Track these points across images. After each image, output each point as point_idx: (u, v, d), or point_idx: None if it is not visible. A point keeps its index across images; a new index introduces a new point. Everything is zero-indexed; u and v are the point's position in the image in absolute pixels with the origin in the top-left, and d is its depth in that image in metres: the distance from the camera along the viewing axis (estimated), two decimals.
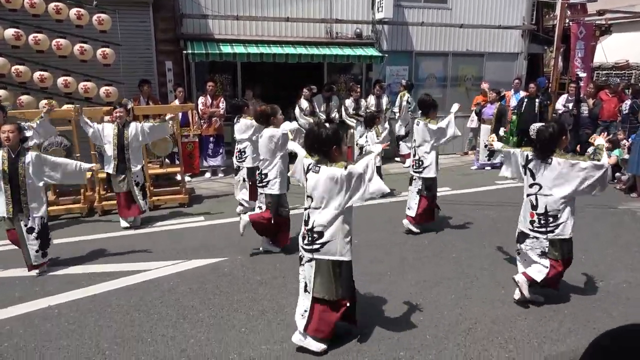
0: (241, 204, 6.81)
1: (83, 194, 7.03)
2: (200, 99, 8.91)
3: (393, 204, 7.36)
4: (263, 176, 5.25)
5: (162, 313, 4.12)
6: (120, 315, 4.08)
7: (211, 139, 9.00)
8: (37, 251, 4.81)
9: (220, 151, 9.12)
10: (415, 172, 6.00)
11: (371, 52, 10.02)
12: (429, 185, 5.96)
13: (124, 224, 6.31)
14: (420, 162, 5.92)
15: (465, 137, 10.87)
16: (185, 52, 8.73)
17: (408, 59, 10.95)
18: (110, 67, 8.07)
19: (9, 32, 7.34)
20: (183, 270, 5.01)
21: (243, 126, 6.36)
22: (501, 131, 9.43)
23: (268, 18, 9.63)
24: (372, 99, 9.84)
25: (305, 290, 3.51)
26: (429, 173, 5.91)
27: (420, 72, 11.16)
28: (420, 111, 6.13)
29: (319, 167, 3.35)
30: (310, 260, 3.44)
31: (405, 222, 6.03)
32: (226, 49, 9.02)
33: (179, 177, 7.84)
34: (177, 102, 8.55)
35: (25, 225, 4.79)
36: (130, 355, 3.52)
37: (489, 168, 9.85)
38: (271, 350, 3.56)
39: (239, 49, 9.07)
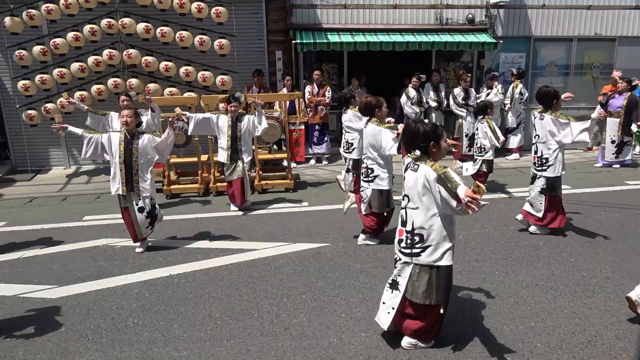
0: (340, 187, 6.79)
1: (200, 175, 7.60)
2: (307, 88, 9.13)
3: (504, 199, 6.97)
4: (369, 171, 5.16)
5: (268, 291, 4.33)
6: (230, 289, 4.37)
7: (317, 127, 9.20)
8: (146, 227, 5.23)
9: (325, 139, 9.29)
10: (538, 170, 5.49)
11: (484, 38, 9.49)
12: (553, 185, 5.42)
13: (233, 207, 6.70)
14: (544, 160, 5.41)
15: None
16: (294, 42, 8.97)
17: (525, 45, 10.19)
18: (226, 57, 8.57)
19: (141, 26, 8.10)
20: (287, 252, 5.21)
21: (351, 116, 6.36)
22: (633, 127, 8.44)
23: (375, 5, 9.54)
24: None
25: (396, 288, 3.41)
26: (554, 172, 5.39)
27: (538, 59, 10.34)
28: (541, 105, 5.51)
29: (418, 165, 3.22)
30: (407, 263, 3.32)
31: (520, 217, 5.64)
32: (333, 38, 9.11)
33: (285, 163, 8.14)
34: (285, 90, 8.84)
35: (137, 205, 5.16)
36: (238, 327, 3.76)
37: (617, 166, 8.87)
38: (370, 339, 3.58)
39: (346, 38, 9.11)
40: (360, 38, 9.12)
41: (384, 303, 3.47)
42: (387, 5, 9.55)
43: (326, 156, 9.45)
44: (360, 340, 3.56)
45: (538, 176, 5.50)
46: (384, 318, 3.44)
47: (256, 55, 9.41)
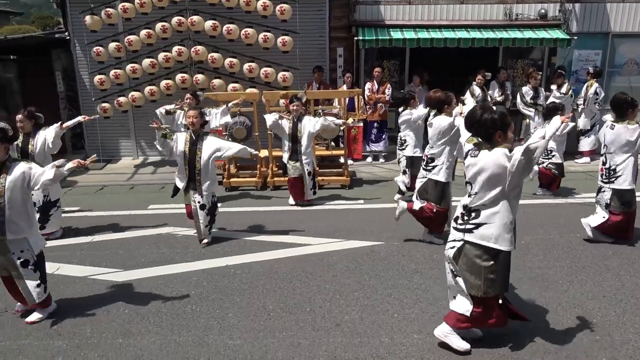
0: (400, 192, 6.79)
1: (259, 169, 7.77)
2: (367, 85, 9.07)
3: (572, 204, 6.59)
4: (429, 161, 5.13)
5: (321, 286, 4.36)
6: (284, 283, 4.43)
7: (375, 124, 9.13)
8: (205, 226, 5.33)
9: (383, 137, 9.20)
10: (605, 182, 5.09)
11: (556, 34, 9.00)
12: (625, 199, 5.01)
13: (291, 201, 6.79)
14: (613, 171, 5.00)
15: None
16: (356, 38, 8.93)
17: (602, 42, 9.56)
18: (288, 54, 8.69)
19: (208, 24, 8.38)
20: (341, 249, 5.21)
21: (408, 115, 6.34)
22: None
23: (441, 1, 9.31)
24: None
25: (456, 275, 3.30)
26: (624, 184, 4.98)
27: (616, 56, 9.67)
28: (614, 113, 5.09)
29: (479, 151, 3.14)
30: (458, 240, 3.22)
31: (584, 221, 5.30)
32: (396, 34, 8.98)
33: (342, 160, 8.14)
34: (344, 87, 8.84)
35: (199, 202, 5.29)
36: (291, 320, 3.81)
37: None
38: (423, 341, 3.50)
39: (409, 34, 8.96)
40: (423, 34, 8.93)
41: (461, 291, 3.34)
42: (453, 1, 9.29)
43: (383, 154, 9.35)
44: (412, 341, 3.50)
45: (603, 189, 5.12)
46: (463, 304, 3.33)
47: (317, 51, 9.47)
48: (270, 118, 6.55)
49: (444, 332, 3.34)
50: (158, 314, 3.94)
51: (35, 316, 3.85)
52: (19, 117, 5.38)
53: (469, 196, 3.24)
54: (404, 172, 6.67)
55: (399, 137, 6.66)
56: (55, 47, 9.72)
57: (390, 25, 9.34)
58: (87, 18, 8.50)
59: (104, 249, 5.37)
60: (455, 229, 3.28)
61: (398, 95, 6.78)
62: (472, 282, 3.18)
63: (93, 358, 3.37)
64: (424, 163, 5.23)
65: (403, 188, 6.74)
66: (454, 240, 3.28)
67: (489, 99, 8.91)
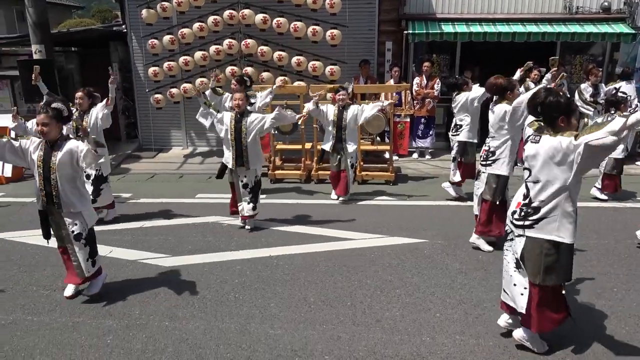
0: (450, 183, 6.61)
1: (303, 162, 7.82)
2: (416, 80, 8.91)
3: (631, 209, 6.25)
4: (490, 154, 4.86)
5: (362, 281, 4.34)
6: (326, 276, 4.45)
7: (422, 120, 8.97)
8: (248, 203, 5.50)
9: (430, 133, 9.03)
10: None
11: (620, 28, 8.50)
12: None
13: (334, 195, 6.80)
14: None
15: None
16: (405, 32, 8.79)
17: None
18: (336, 48, 8.67)
19: (259, 17, 8.48)
20: (384, 245, 5.17)
21: (464, 96, 6.14)
22: None
23: None
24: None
25: (519, 267, 3.22)
26: None
27: None
28: None
29: (540, 136, 3.03)
30: (520, 236, 3.16)
31: None
32: (447, 28, 8.77)
33: (387, 155, 8.06)
34: (392, 81, 8.72)
35: (242, 181, 5.49)
36: (331, 313, 3.82)
37: None
38: (465, 343, 3.42)
39: (461, 28, 8.72)
40: (476, 28, 8.67)
41: (514, 285, 3.25)
42: None
43: (430, 150, 9.19)
44: (454, 342, 3.43)
45: None
46: (520, 300, 3.22)
47: (366, 45, 9.39)
48: (309, 105, 6.56)
49: (523, 336, 3.25)
50: (203, 300, 4.05)
51: (95, 287, 4.07)
52: (78, 94, 5.63)
53: (526, 185, 3.14)
54: (454, 160, 6.46)
55: (453, 122, 6.45)
56: (113, 40, 10.14)
57: (442, 18, 9.12)
58: (144, 12, 8.80)
59: (154, 234, 5.58)
60: (514, 224, 3.19)
61: (451, 81, 6.57)
62: (535, 272, 3.10)
63: (141, 339, 3.52)
64: (482, 158, 4.95)
65: (452, 193, 6.56)
66: (512, 234, 3.22)
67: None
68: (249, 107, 5.66)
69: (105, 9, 40.86)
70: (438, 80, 8.89)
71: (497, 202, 4.85)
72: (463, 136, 6.26)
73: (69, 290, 4.10)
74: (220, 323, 3.69)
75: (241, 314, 3.82)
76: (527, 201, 3.11)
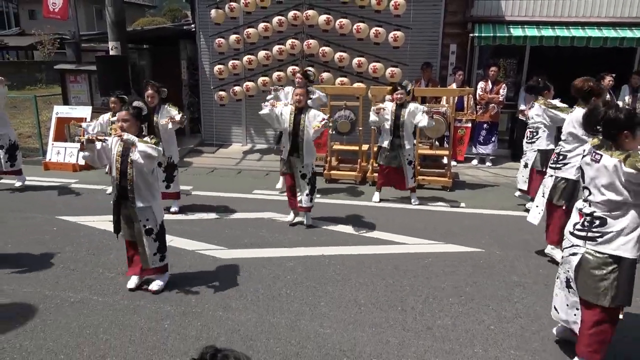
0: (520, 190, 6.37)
1: (359, 163, 7.80)
2: (480, 84, 8.65)
3: None
4: (561, 157, 4.63)
5: (414, 287, 4.28)
6: (377, 279, 4.42)
7: (485, 125, 8.69)
8: (307, 195, 5.59)
9: (493, 139, 8.73)
10: None
11: None
12: None
13: (375, 198, 6.75)
14: None
15: None
16: (471, 35, 8.55)
17: None
18: (398, 50, 8.58)
19: (322, 18, 8.55)
20: (438, 251, 5.07)
21: (539, 110, 5.87)
22: None
23: None
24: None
25: (569, 287, 3.08)
26: None
27: None
28: None
29: (600, 154, 2.85)
30: (575, 253, 2.99)
31: None
32: (516, 31, 8.44)
33: (445, 160, 7.88)
34: (454, 85, 8.53)
35: (300, 171, 5.59)
36: (381, 316, 3.79)
37: None
38: (521, 358, 3.29)
39: (531, 32, 8.36)
40: (548, 32, 8.28)
41: (567, 305, 3.15)
42: None
43: (491, 157, 8.88)
44: (508, 356, 3.30)
45: None
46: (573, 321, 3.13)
47: (429, 48, 9.23)
48: (372, 115, 6.52)
49: None
50: (255, 293, 4.15)
51: (156, 285, 4.19)
52: (149, 92, 5.83)
53: (586, 202, 2.99)
54: (526, 166, 6.16)
55: (528, 130, 6.13)
56: (183, 38, 10.59)
57: (510, 21, 8.79)
58: (213, 12, 9.12)
59: (212, 227, 5.77)
60: (575, 235, 3.03)
61: (532, 84, 6.18)
62: (592, 291, 2.92)
63: (196, 326, 3.65)
64: (554, 160, 4.71)
65: (529, 205, 6.27)
66: (573, 246, 3.04)
67: (614, 102, 8.02)
68: (309, 102, 5.74)
69: (176, 9, 42.71)
70: (504, 85, 8.59)
71: (569, 207, 4.61)
72: (542, 144, 5.87)
73: (132, 282, 4.22)
74: (272, 317, 3.77)
75: (292, 310, 3.87)
76: (589, 212, 2.95)
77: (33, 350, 3.36)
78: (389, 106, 6.52)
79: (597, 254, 2.90)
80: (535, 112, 5.84)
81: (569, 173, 4.56)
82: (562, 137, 4.69)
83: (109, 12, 8.88)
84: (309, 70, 6.93)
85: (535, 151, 5.94)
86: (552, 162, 4.75)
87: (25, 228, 5.72)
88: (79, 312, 3.85)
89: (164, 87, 6.01)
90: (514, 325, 3.68)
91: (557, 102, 5.64)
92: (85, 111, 9.21)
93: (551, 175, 4.70)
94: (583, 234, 2.96)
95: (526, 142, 6.13)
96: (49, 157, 8.99)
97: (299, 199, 5.69)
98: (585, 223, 2.95)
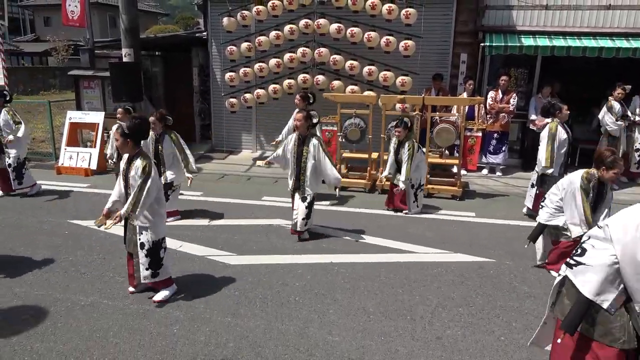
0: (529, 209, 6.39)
1: (369, 172, 7.80)
2: (490, 93, 8.63)
3: None
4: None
5: (423, 296, 4.25)
6: (386, 287, 4.41)
7: (495, 135, 8.66)
8: (302, 219, 5.42)
9: (503, 149, 8.69)
10: None
11: None
12: None
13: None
14: None
15: None
16: (482, 44, 8.55)
17: None
18: (409, 58, 8.59)
19: (333, 27, 8.60)
20: (447, 261, 5.04)
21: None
22: None
23: (583, 7, 8.54)
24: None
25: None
26: None
27: None
28: None
29: None
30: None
31: None
32: (528, 41, 8.42)
33: (455, 169, 7.86)
34: (465, 95, 8.52)
35: (301, 195, 5.45)
36: (390, 325, 3.77)
37: None
38: None
39: (543, 42, 8.34)
40: (559, 42, 8.26)
41: None
42: (598, 6, 8.46)
43: (501, 167, 8.84)
44: None
45: None
46: None
47: (439, 57, 9.24)
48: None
49: None
50: (264, 300, 4.15)
51: (161, 295, 4.16)
52: (152, 119, 5.80)
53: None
54: (532, 186, 6.25)
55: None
56: (195, 45, 10.70)
57: (522, 31, 8.78)
58: (225, 20, 9.21)
59: (221, 232, 5.79)
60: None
61: (545, 107, 6.08)
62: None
63: (204, 331, 3.66)
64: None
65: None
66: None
67: (628, 113, 7.94)
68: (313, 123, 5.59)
69: (188, 17, 43.17)
70: (514, 94, 8.56)
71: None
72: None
73: (131, 287, 4.29)
74: (280, 324, 3.76)
75: (300, 317, 3.87)
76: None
77: (44, 353, 3.38)
78: (393, 141, 6.54)
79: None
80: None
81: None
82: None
83: (123, 20, 9.00)
84: (308, 92, 6.94)
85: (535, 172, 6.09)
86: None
87: (39, 231, 5.78)
88: (89, 316, 3.87)
89: (169, 115, 6.00)
90: (524, 337, 3.64)
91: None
92: (97, 117, 9.33)
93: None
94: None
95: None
96: (62, 161, 9.09)
97: (293, 221, 5.54)
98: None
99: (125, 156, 4.06)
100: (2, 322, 3.77)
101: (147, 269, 4.07)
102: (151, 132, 5.72)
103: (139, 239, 4.02)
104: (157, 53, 11.91)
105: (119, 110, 6.60)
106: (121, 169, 4.08)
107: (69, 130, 9.33)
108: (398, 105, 7.75)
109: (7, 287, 4.35)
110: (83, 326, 3.72)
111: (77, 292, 4.26)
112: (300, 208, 5.48)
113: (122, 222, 4.09)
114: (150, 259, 4.06)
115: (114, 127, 4.81)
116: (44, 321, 3.79)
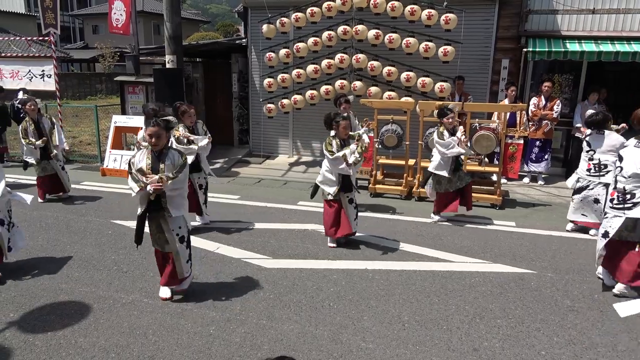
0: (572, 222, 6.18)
1: (405, 178, 7.72)
2: (533, 100, 8.40)
3: None
4: (629, 195, 4.26)
5: (460, 306, 4.17)
6: (422, 296, 4.34)
7: (537, 142, 8.41)
8: (354, 220, 5.49)
9: (546, 157, 8.43)
10: None
11: None
12: None
13: (434, 217, 6.57)
14: None
15: None
16: (525, 49, 8.34)
17: None
18: (448, 64, 8.48)
19: (372, 33, 8.59)
20: (486, 271, 4.92)
21: (613, 140, 5.59)
22: None
23: (633, 10, 8.20)
24: None
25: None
26: None
27: None
28: None
29: None
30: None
31: None
32: (573, 46, 8.16)
33: (494, 177, 7.68)
34: (506, 101, 8.32)
35: (347, 197, 5.45)
36: (425, 335, 3.71)
37: None
38: None
39: (589, 47, 8.06)
40: (607, 47, 7.96)
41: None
42: None
43: (543, 176, 8.57)
44: None
45: None
46: None
47: (480, 62, 9.07)
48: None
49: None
50: (299, 304, 4.17)
51: (186, 284, 4.28)
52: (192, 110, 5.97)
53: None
54: (596, 201, 5.95)
55: (592, 162, 5.79)
56: (234, 52, 10.93)
57: (567, 36, 8.52)
58: (264, 27, 9.37)
59: (258, 236, 5.87)
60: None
61: (591, 119, 5.72)
62: None
63: (240, 333, 3.71)
64: (619, 199, 4.32)
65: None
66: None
67: None
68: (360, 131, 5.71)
69: (228, 24, 44.14)
70: (558, 101, 8.29)
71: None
72: (609, 178, 5.38)
73: (165, 292, 4.25)
74: (314, 329, 3.77)
75: (334, 323, 3.86)
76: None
77: (87, 347, 3.51)
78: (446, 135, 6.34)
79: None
80: (609, 146, 5.62)
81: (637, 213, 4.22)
82: (625, 174, 4.31)
83: (167, 28, 9.30)
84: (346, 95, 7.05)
85: (602, 185, 5.71)
86: (615, 202, 4.35)
87: (85, 231, 6.02)
88: (129, 313, 4.00)
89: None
90: (566, 352, 3.51)
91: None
92: (141, 121, 9.63)
93: (619, 216, 4.31)
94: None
95: (588, 174, 5.83)
96: (107, 163, 9.45)
97: (348, 221, 5.48)
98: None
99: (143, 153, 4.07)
100: (52, 316, 3.94)
101: (187, 261, 4.20)
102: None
103: (179, 234, 4.11)
104: (198, 59, 12.23)
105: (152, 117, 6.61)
106: (143, 165, 3.98)
107: (113, 134, 9.69)
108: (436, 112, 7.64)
109: (55, 282, 4.55)
110: (124, 323, 3.84)
111: (119, 290, 4.41)
112: (349, 210, 5.48)
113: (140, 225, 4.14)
114: (189, 249, 4.21)
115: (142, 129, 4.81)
116: (87, 317, 3.93)
